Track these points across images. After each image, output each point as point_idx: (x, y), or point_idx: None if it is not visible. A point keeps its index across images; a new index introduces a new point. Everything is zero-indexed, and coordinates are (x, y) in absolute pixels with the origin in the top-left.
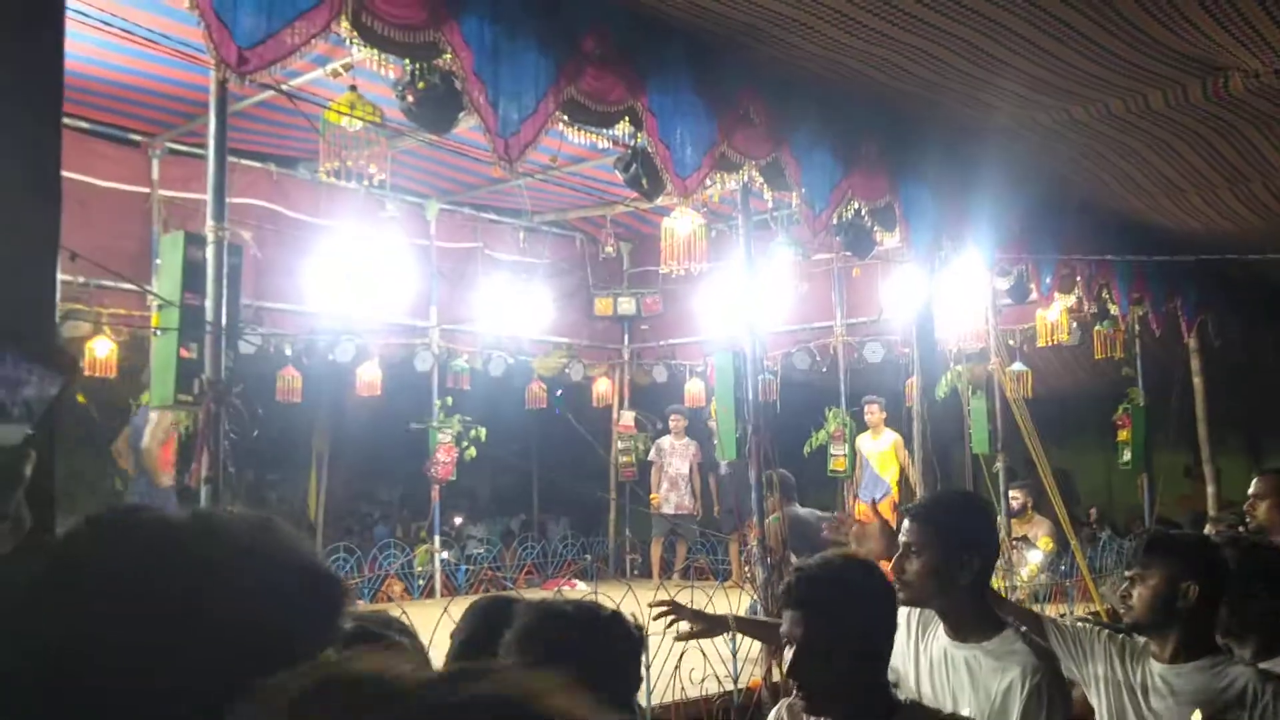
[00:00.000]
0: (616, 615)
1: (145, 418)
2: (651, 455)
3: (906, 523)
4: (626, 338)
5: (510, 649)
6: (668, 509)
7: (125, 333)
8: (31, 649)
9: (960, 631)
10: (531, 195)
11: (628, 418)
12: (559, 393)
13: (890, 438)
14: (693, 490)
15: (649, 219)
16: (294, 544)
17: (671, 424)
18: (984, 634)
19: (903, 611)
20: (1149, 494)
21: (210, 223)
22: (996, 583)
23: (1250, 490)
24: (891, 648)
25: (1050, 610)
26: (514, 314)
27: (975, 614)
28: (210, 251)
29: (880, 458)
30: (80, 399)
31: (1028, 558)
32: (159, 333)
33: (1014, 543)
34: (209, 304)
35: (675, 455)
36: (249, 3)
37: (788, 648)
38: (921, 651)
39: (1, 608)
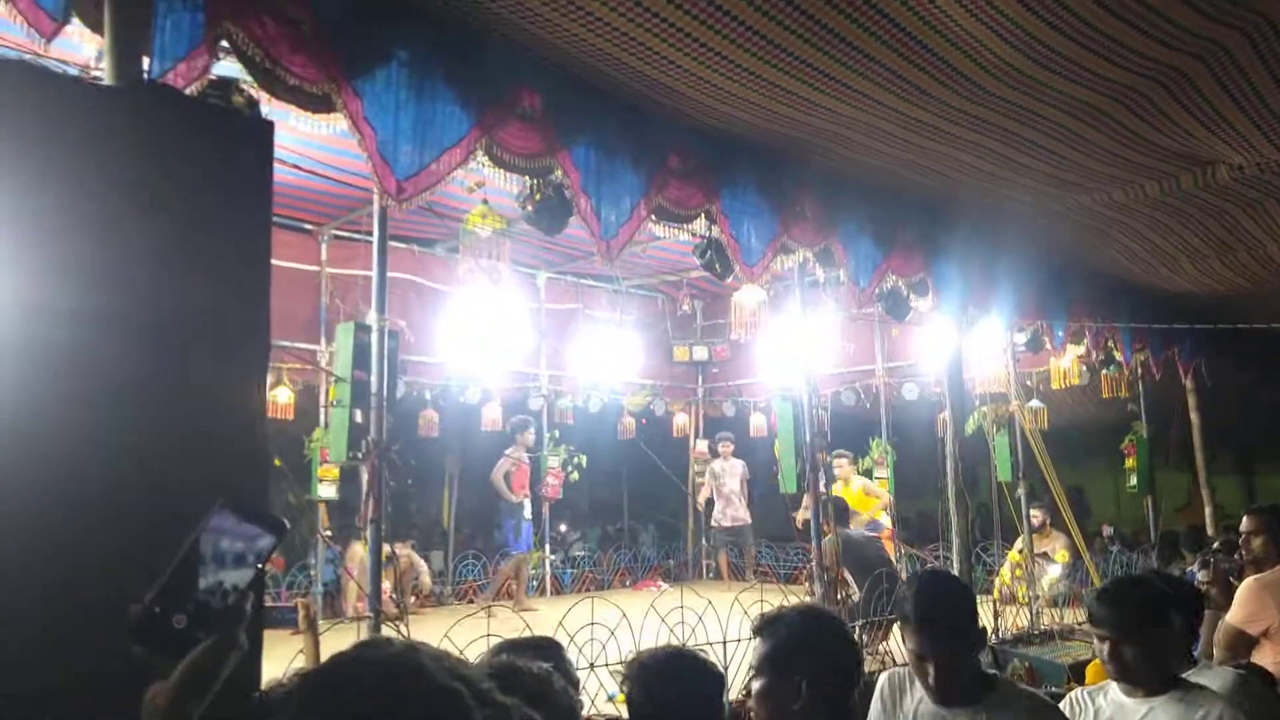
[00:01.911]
0: (707, 662)
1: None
2: (705, 478)
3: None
4: (700, 379)
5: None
6: (725, 522)
7: (300, 383)
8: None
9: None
10: (621, 266)
11: (702, 446)
12: (644, 421)
13: (858, 483)
14: (746, 502)
15: (717, 282)
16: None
17: (721, 448)
18: (981, 692)
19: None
20: (1153, 513)
21: (374, 314)
22: (1020, 590)
23: (1242, 527)
24: (848, 694)
25: (1068, 615)
26: (608, 361)
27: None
28: (374, 337)
29: (854, 501)
30: (277, 463)
31: (1047, 570)
32: (336, 403)
33: (1035, 557)
34: (373, 379)
35: (726, 474)
36: (406, 141)
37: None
38: (903, 715)
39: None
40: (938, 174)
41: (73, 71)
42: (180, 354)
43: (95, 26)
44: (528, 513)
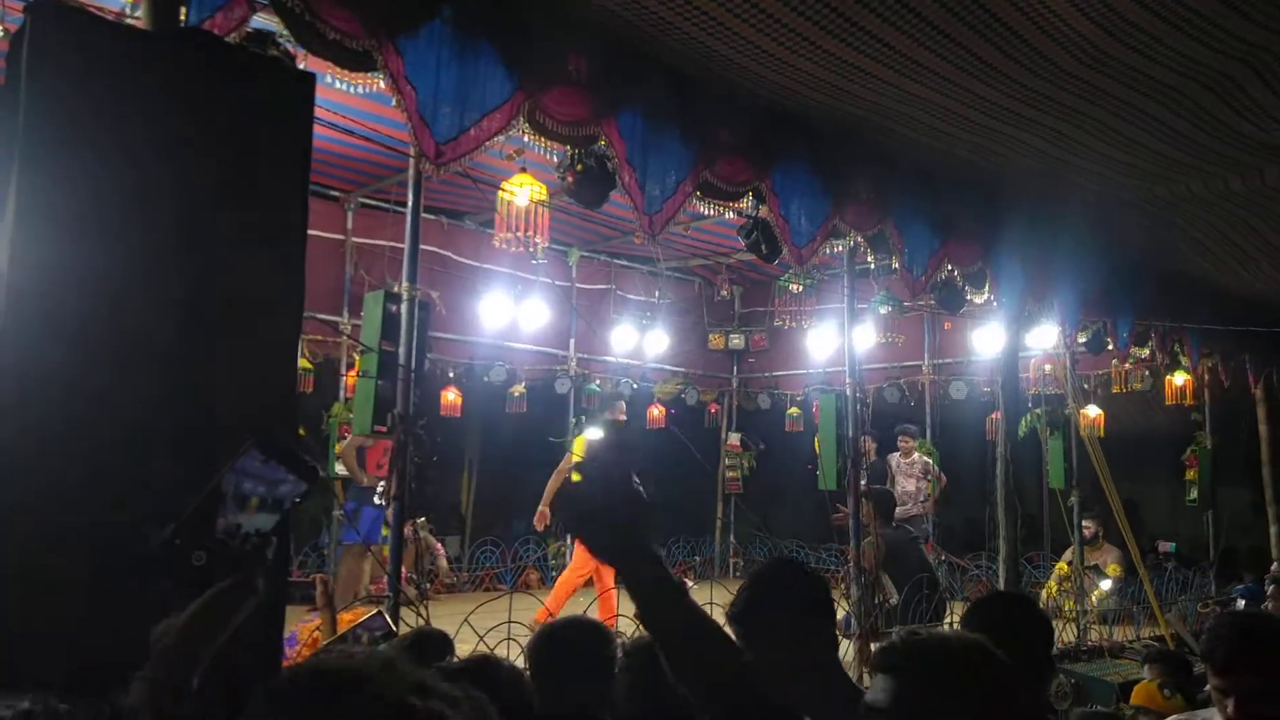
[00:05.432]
0: None
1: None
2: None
3: None
4: (735, 369)
5: None
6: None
7: (320, 355)
8: None
9: None
10: (659, 246)
11: (734, 438)
12: (672, 412)
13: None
14: (926, 502)
15: (758, 267)
16: None
17: (901, 444)
18: None
19: None
20: (1214, 530)
21: (405, 284)
22: (1067, 604)
23: None
24: None
25: (1118, 633)
26: (639, 345)
27: None
28: (404, 307)
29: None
30: (301, 432)
31: (1098, 583)
32: (362, 375)
33: (1085, 569)
34: (401, 350)
35: (900, 474)
36: (446, 103)
37: None
38: None
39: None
40: (1001, 157)
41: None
42: (212, 317)
43: None
44: (379, 497)
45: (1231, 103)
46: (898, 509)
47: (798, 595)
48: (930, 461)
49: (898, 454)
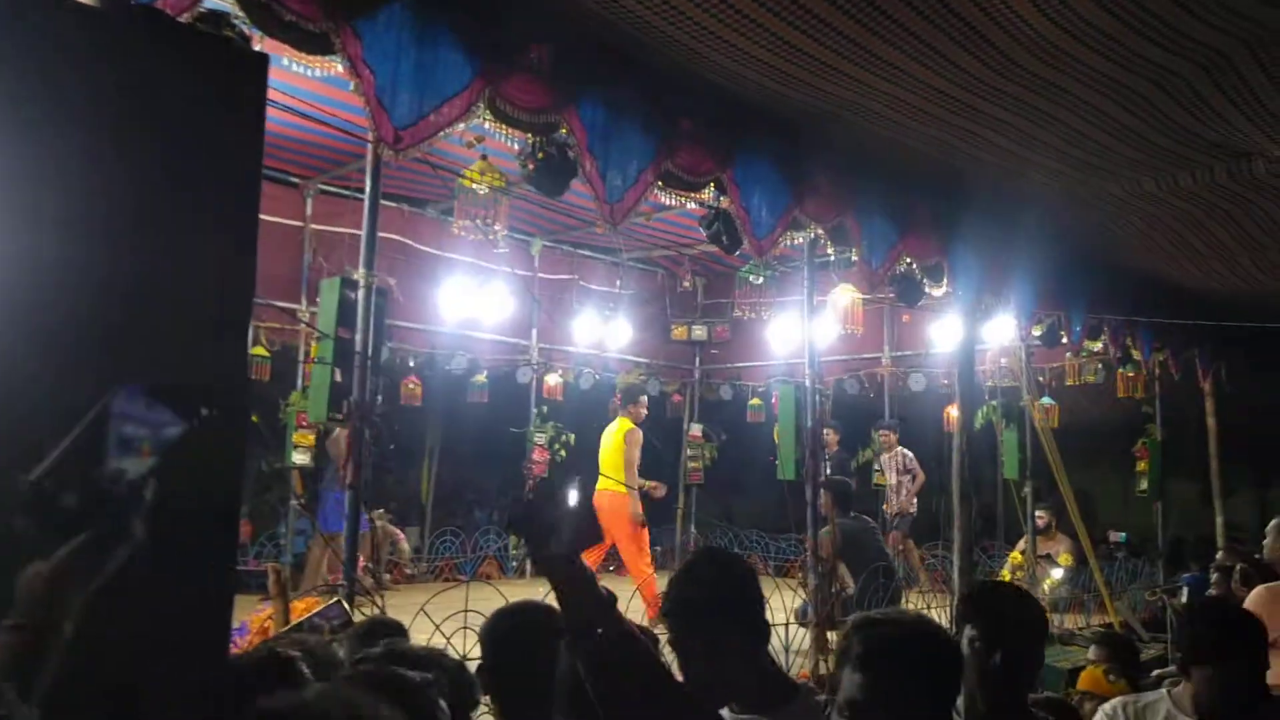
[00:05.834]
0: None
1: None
2: (876, 466)
3: None
4: (698, 360)
5: None
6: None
7: (277, 343)
8: None
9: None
10: (622, 237)
11: (696, 429)
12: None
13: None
14: (906, 496)
15: (721, 259)
16: None
17: (881, 439)
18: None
19: None
20: (1163, 519)
21: (362, 270)
22: None
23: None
24: None
25: (1068, 621)
26: (602, 336)
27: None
28: (361, 294)
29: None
30: (254, 419)
31: (1050, 572)
32: (318, 361)
33: (1037, 558)
34: (358, 337)
35: (885, 467)
36: (405, 88)
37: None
38: None
39: None
40: (959, 151)
41: None
42: (159, 302)
43: None
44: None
45: (1182, 101)
46: (887, 508)
47: (719, 585)
48: (910, 455)
49: (884, 449)
